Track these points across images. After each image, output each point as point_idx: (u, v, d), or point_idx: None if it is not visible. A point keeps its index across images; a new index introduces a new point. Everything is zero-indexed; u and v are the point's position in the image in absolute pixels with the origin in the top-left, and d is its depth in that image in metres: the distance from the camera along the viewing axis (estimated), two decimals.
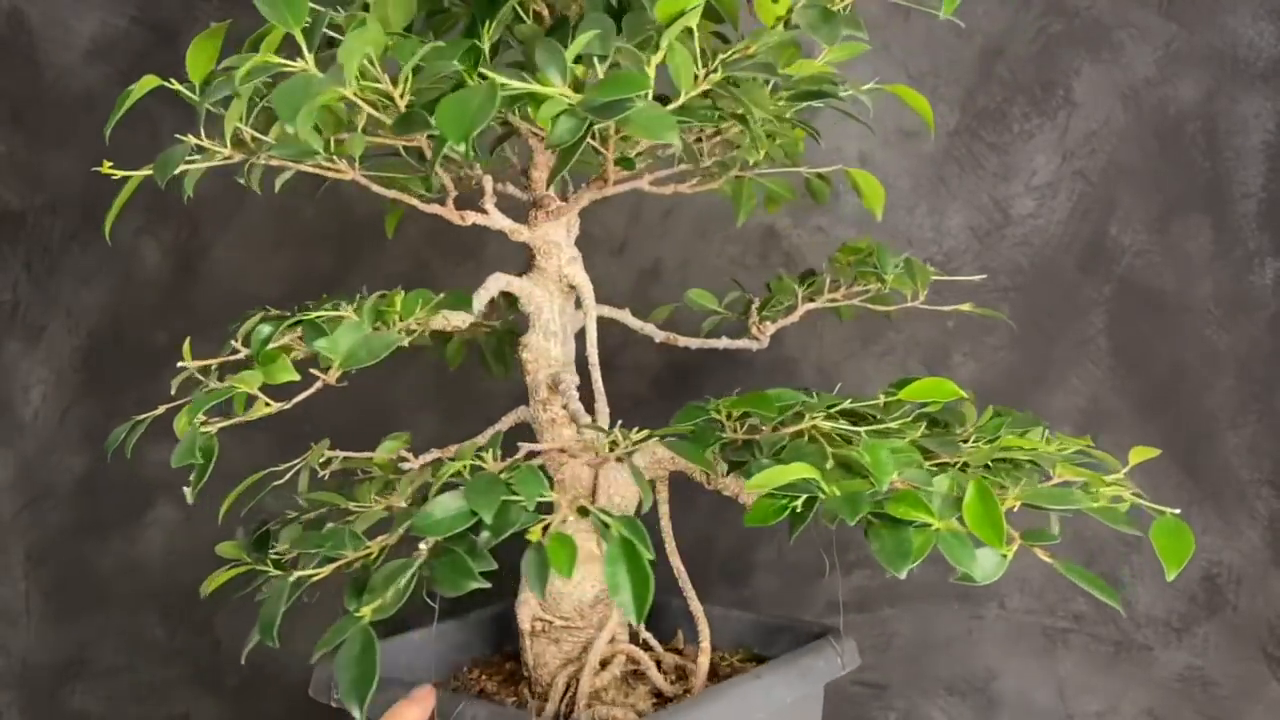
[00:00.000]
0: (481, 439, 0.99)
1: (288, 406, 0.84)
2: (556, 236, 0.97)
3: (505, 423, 1.01)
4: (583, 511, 0.84)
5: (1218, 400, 1.45)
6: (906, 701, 1.49)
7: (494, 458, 0.86)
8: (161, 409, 0.90)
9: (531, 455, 0.93)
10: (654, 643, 1.01)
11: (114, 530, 1.51)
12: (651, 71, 0.75)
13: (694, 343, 1.06)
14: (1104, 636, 1.46)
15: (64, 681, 1.52)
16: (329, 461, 0.96)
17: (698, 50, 0.78)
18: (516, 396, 1.02)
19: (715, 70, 0.79)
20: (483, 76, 0.73)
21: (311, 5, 0.75)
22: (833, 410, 0.88)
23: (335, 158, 0.86)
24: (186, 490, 0.82)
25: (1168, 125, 1.45)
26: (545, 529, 0.81)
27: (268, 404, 0.83)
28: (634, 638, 1.01)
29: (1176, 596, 1.45)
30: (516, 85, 0.73)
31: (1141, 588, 1.45)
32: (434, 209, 0.94)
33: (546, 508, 0.83)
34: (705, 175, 1.04)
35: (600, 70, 0.76)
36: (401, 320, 0.86)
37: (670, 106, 0.78)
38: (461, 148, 0.69)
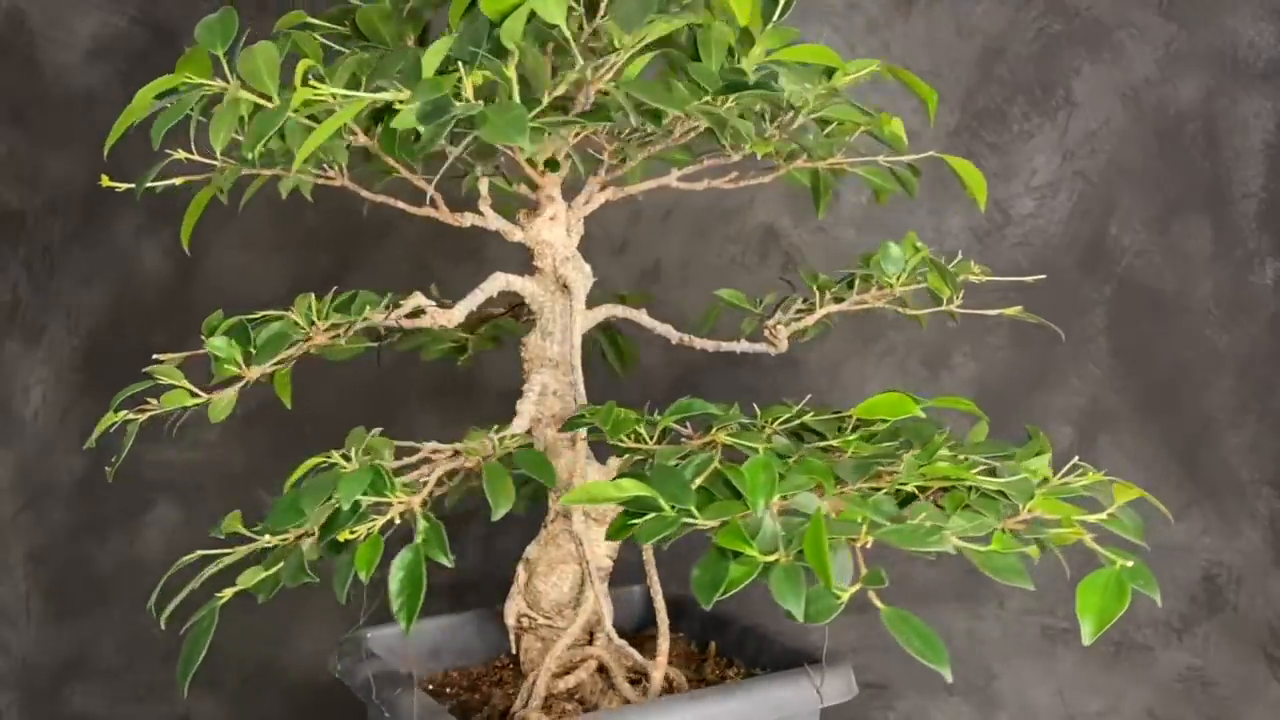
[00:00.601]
0: (491, 436, 1.00)
1: (206, 400, 0.87)
2: (550, 236, 0.96)
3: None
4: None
5: (1218, 400, 1.44)
6: (906, 701, 1.49)
7: (354, 457, 0.83)
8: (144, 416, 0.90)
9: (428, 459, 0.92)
10: (629, 649, 0.99)
11: (114, 530, 1.51)
12: (511, 74, 0.74)
13: (709, 345, 1.03)
14: (1104, 636, 1.46)
15: (64, 681, 1.52)
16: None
17: (575, 48, 0.76)
18: (518, 395, 1.02)
19: (574, 71, 0.76)
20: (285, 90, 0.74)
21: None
22: (783, 425, 0.86)
23: (326, 166, 0.87)
24: (108, 470, 0.88)
25: (1168, 125, 1.45)
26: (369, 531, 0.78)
27: (193, 394, 0.86)
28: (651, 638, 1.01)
29: (1176, 597, 1.45)
30: (361, 95, 0.73)
31: None
32: (428, 212, 0.94)
33: (388, 507, 0.80)
34: (762, 168, 1.00)
35: (465, 76, 0.74)
36: (318, 322, 0.87)
37: (536, 110, 0.76)
38: (251, 156, 0.72)
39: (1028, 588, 0.71)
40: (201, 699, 1.52)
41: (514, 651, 1.01)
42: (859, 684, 1.48)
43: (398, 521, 0.80)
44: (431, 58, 0.72)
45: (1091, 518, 0.76)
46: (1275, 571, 1.44)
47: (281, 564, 0.80)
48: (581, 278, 0.97)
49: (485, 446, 0.88)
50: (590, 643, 1.00)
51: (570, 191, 0.99)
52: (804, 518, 0.70)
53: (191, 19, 1.46)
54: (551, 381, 0.98)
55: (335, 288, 0.91)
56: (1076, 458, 0.84)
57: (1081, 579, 0.69)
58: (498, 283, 0.96)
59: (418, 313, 0.92)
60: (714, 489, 0.76)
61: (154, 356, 0.89)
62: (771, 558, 0.68)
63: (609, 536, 0.75)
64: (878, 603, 0.67)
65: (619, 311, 1.02)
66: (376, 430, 0.90)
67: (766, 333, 1.03)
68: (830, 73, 0.90)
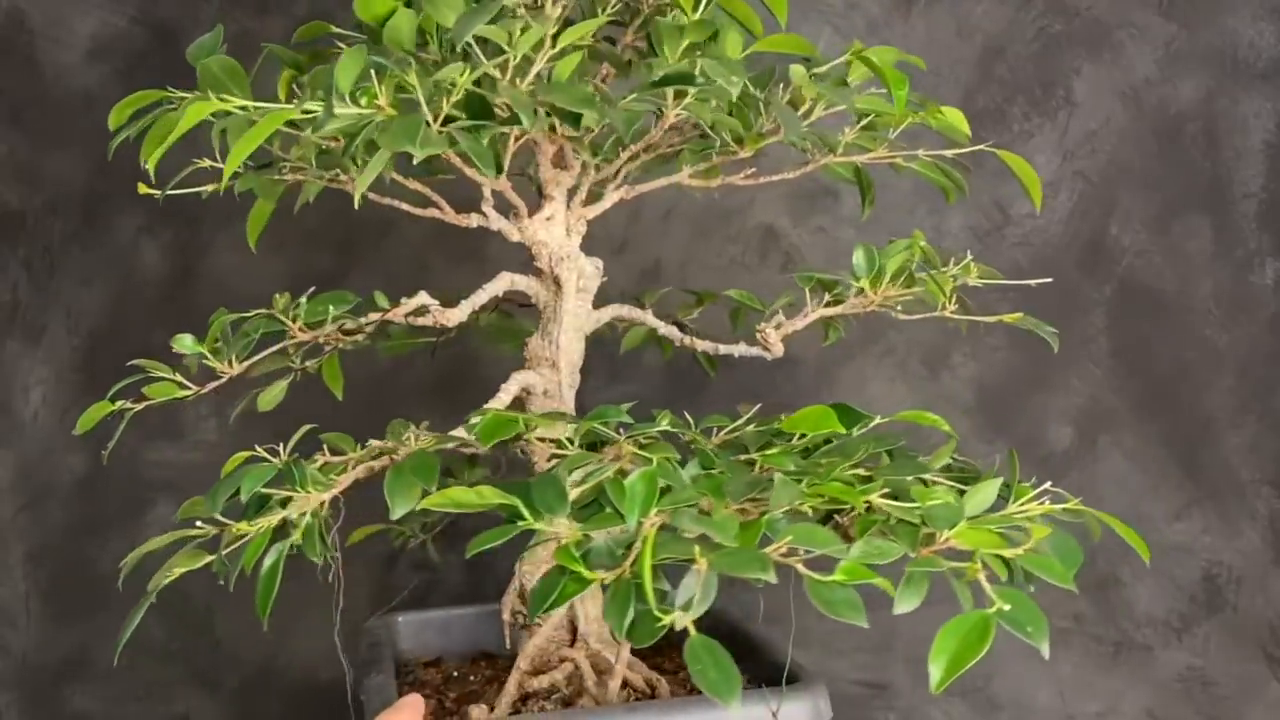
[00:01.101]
0: (416, 433, 1.00)
1: (204, 391, 0.91)
2: (546, 236, 0.96)
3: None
4: None
5: (1218, 400, 1.45)
6: (906, 701, 1.49)
7: (283, 452, 0.85)
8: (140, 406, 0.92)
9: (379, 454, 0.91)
10: (606, 654, 0.98)
11: (114, 530, 1.51)
12: (413, 79, 0.74)
13: (709, 347, 1.03)
14: (1104, 636, 1.46)
15: (64, 681, 1.52)
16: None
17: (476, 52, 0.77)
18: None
19: (464, 73, 0.76)
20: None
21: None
22: (721, 437, 0.84)
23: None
24: (103, 454, 0.92)
25: (1168, 125, 1.45)
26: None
27: (184, 386, 0.90)
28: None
29: (1176, 596, 1.45)
30: (275, 108, 0.75)
31: (1141, 588, 1.45)
32: (431, 213, 0.95)
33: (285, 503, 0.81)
34: (796, 164, 0.99)
35: (380, 89, 0.76)
36: (296, 323, 0.88)
37: (440, 117, 0.76)
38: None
39: (861, 625, 0.68)
40: (201, 699, 1.52)
41: (508, 646, 1.01)
42: (859, 684, 1.49)
43: (305, 516, 0.81)
44: (349, 75, 0.74)
45: (1008, 552, 0.70)
46: (1275, 571, 1.44)
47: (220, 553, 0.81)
48: (578, 277, 0.97)
49: (404, 445, 0.87)
50: (573, 644, 1.00)
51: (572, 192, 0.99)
52: (679, 533, 0.68)
53: (191, 19, 1.47)
54: (541, 382, 0.98)
55: (314, 289, 0.92)
56: (1049, 483, 0.78)
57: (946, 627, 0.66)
58: (503, 282, 0.96)
59: (421, 311, 0.92)
60: (603, 500, 0.73)
61: (135, 362, 0.90)
62: (609, 575, 0.66)
63: (472, 547, 0.72)
64: (691, 629, 0.63)
65: (624, 312, 1.02)
66: (424, 424, 0.90)
67: (759, 336, 1.01)
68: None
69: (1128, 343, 1.46)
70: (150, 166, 0.80)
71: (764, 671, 0.90)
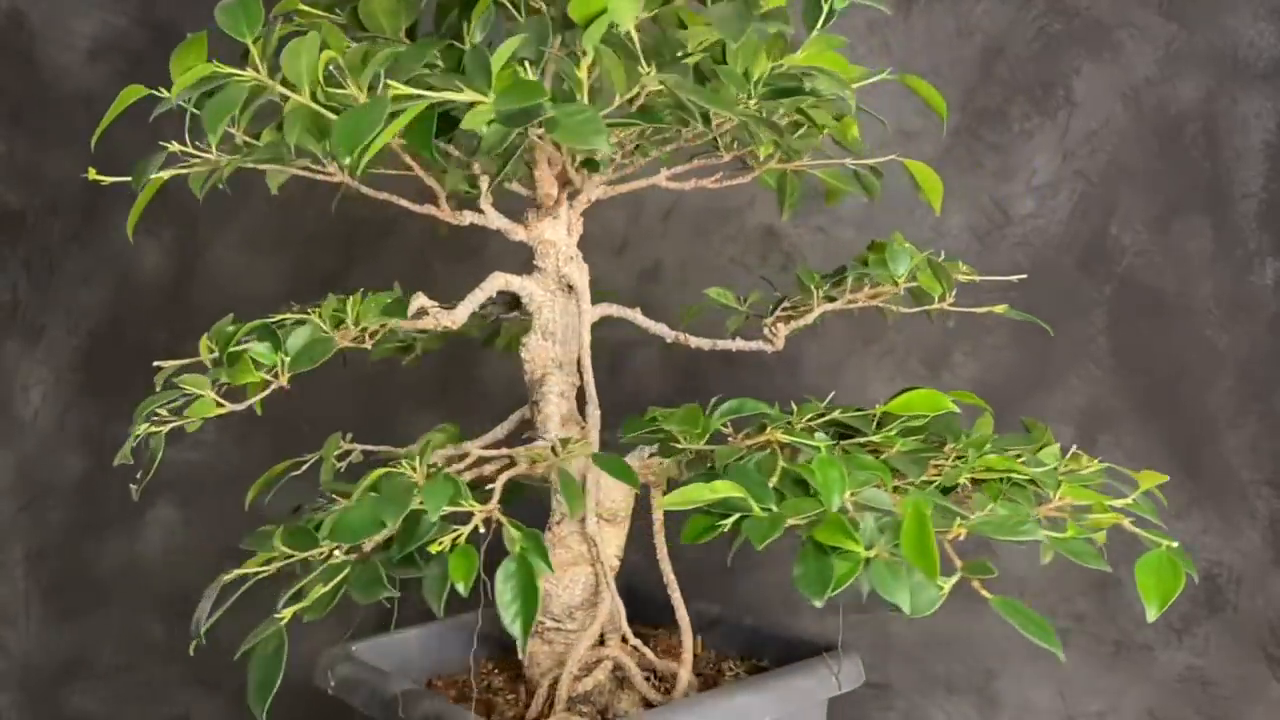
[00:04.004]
0: (488, 439, 1.00)
1: (240, 408, 0.83)
2: (553, 236, 0.96)
3: (510, 422, 1.01)
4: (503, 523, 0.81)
5: (1218, 400, 1.44)
6: (907, 701, 1.49)
7: (421, 464, 0.82)
8: (168, 428, 0.89)
9: (483, 460, 0.92)
10: (644, 648, 1.00)
11: (114, 530, 1.51)
12: (583, 75, 0.74)
13: (705, 344, 1.03)
14: (1104, 636, 1.46)
15: (64, 681, 1.52)
16: (345, 455, 0.97)
17: (639, 51, 0.77)
18: (519, 396, 1.02)
19: (649, 73, 0.77)
20: (387, 86, 0.71)
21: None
22: (815, 422, 0.86)
23: (325, 161, 0.86)
24: (132, 488, 0.82)
25: (1168, 125, 1.45)
26: (455, 541, 0.78)
27: (220, 404, 0.82)
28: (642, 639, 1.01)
29: (1177, 597, 1.45)
30: (433, 95, 0.71)
31: None
32: (428, 210, 0.94)
33: (465, 517, 0.79)
34: (737, 169, 1.01)
35: (530, 74, 0.74)
36: (355, 325, 0.86)
37: (607, 110, 0.77)
38: (348, 161, 0.68)
39: (1104, 569, 0.75)
40: (201, 699, 1.52)
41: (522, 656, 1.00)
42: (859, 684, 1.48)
43: (482, 530, 0.79)
44: (502, 56, 0.72)
45: (1118, 502, 0.78)
46: (1275, 571, 1.44)
47: (338, 578, 0.77)
48: (584, 277, 0.97)
49: (547, 453, 0.90)
50: (601, 644, 0.99)
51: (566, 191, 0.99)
52: (880, 512, 0.72)
53: (192, 19, 1.47)
54: (559, 383, 0.98)
55: (363, 289, 0.90)
56: (1074, 446, 0.86)
57: (1138, 560, 0.73)
58: (496, 282, 0.95)
59: (420, 313, 0.92)
60: (781, 487, 0.77)
61: (154, 364, 0.87)
62: (872, 552, 0.70)
63: (688, 539, 0.75)
64: (984, 593, 0.70)
65: (614, 310, 1.02)
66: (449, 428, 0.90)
67: (766, 331, 1.04)
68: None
69: (1128, 343, 1.46)
70: (214, 138, 0.76)
71: (799, 651, 1.00)
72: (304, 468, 0.96)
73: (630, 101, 0.81)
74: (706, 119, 0.83)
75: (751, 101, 0.85)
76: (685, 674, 0.97)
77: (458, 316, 0.94)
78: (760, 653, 1.06)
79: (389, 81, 0.71)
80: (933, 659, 1.48)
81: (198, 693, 1.52)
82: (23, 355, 1.51)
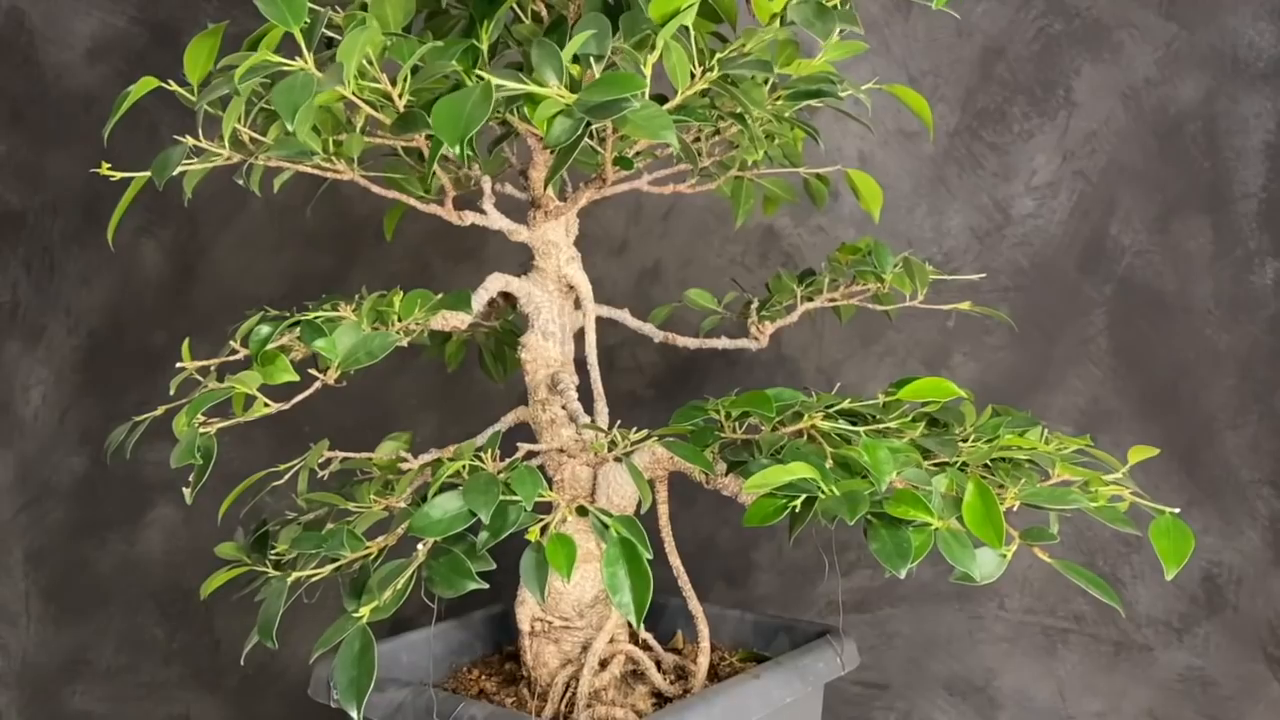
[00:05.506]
0: (481, 439, 1.00)
1: (286, 407, 0.84)
2: (555, 236, 0.97)
3: (505, 423, 1.01)
4: (581, 511, 0.84)
5: (1218, 400, 1.44)
6: (906, 701, 1.49)
7: (492, 458, 0.86)
8: (160, 410, 0.90)
9: (531, 455, 0.93)
10: (653, 643, 1.02)
11: (114, 530, 1.51)
12: (648, 71, 0.75)
13: (692, 343, 1.06)
14: (1104, 636, 1.46)
15: (64, 681, 1.52)
16: (329, 462, 0.96)
17: (694, 50, 0.78)
18: (516, 397, 1.02)
19: (712, 69, 0.79)
20: (480, 77, 0.73)
21: (311, 5, 0.75)
22: (831, 410, 0.88)
23: (334, 158, 0.86)
24: (186, 491, 0.82)
25: (1168, 125, 1.45)
26: (544, 529, 0.81)
27: (266, 404, 0.83)
28: (633, 637, 1.01)
29: (1177, 596, 1.45)
30: (512, 86, 0.73)
31: (1142, 588, 1.45)
32: (432, 209, 0.95)
33: (545, 508, 0.83)
34: (704, 175, 1.04)
35: (597, 70, 0.76)
36: (400, 320, 0.87)
37: (667, 105, 0.78)
38: (456, 149, 0.69)
39: (1133, 532, 0.79)
40: (201, 699, 1.52)
41: (522, 657, 1.00)
42: (859, 684, 1.49)
43: (568, 519, 0.84)
44: (571, 50, 0.74)
45: (1110, 476, 0.83)
46: (1275, 571, 1.44)
47: (409, 572, 0.78)
48: (585, 278, 0.98)
49: (602, 445, 0.93)
50: (610, 640, 1.00)
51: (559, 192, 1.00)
52: (926, 489, 0.76)
53: (191, 19, 1.47)
54: (569, 379, 0.98)
55: (399, 287, 0.91)
56: (1044, 428, 0.90)
57: (1150, 526, 0.77)
58: (497, 283, 0.96)
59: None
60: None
61: (178, 365, 0.87)
62: (941, 524, 0.74)
63: (752, 521, 0.77)
64: (1044, 556, 0.75)
65: (603, 311, 1.03)
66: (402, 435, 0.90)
67: (753, 330, 1.08)
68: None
69: (1128, 343, 1.46)
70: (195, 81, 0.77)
71: (796, 638, 1.06)
72: (285, 477, 0.95)
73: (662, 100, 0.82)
74: (742, 119, 0.85)
75: (779, 102, 0.89)
76: (705, 660, 0.99)
77: (463, 317, 0.94)
78: (751, 643, 1.11)
79: (479, 72, 0.73)
80: (932, 659, 1.48)
81: (198, 693, 1.52)
82: (23, 355, 1.51)
